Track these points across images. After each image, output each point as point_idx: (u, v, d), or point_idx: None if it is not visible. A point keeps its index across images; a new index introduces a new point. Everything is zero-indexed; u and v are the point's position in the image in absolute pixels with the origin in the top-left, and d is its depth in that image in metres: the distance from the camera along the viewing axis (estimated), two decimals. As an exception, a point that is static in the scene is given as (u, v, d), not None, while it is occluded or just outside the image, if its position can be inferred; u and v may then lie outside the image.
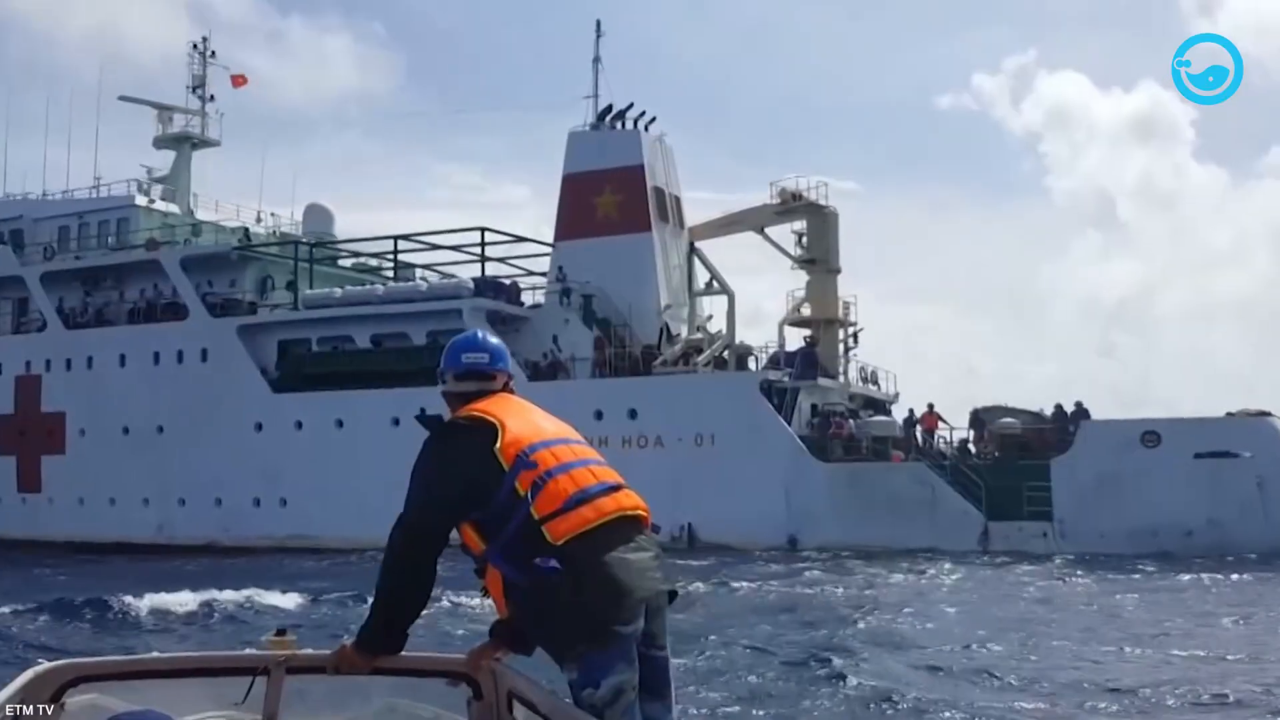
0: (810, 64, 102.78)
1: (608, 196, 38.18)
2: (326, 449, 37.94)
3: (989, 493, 29.98)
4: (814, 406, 34.27)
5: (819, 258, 36.15)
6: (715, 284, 36.09)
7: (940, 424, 32.73)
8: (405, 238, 41.13)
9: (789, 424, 32.56)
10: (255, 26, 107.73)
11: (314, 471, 37.88)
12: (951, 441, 32.62)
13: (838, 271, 36.71)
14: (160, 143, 48.76)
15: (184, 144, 48.31)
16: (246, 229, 44.94)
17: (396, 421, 37.25)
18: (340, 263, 45.39)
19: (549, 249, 39.94)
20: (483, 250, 39.58)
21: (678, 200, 39.42)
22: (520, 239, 40.30)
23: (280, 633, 3.83)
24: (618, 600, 3.48)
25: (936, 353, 75.89)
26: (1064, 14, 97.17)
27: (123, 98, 49.09)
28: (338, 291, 40.29)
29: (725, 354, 34.80)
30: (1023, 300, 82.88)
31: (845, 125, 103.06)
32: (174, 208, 46.87)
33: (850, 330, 36.75)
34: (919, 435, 32.58)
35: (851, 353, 36.83)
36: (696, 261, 37.09)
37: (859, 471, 31.32)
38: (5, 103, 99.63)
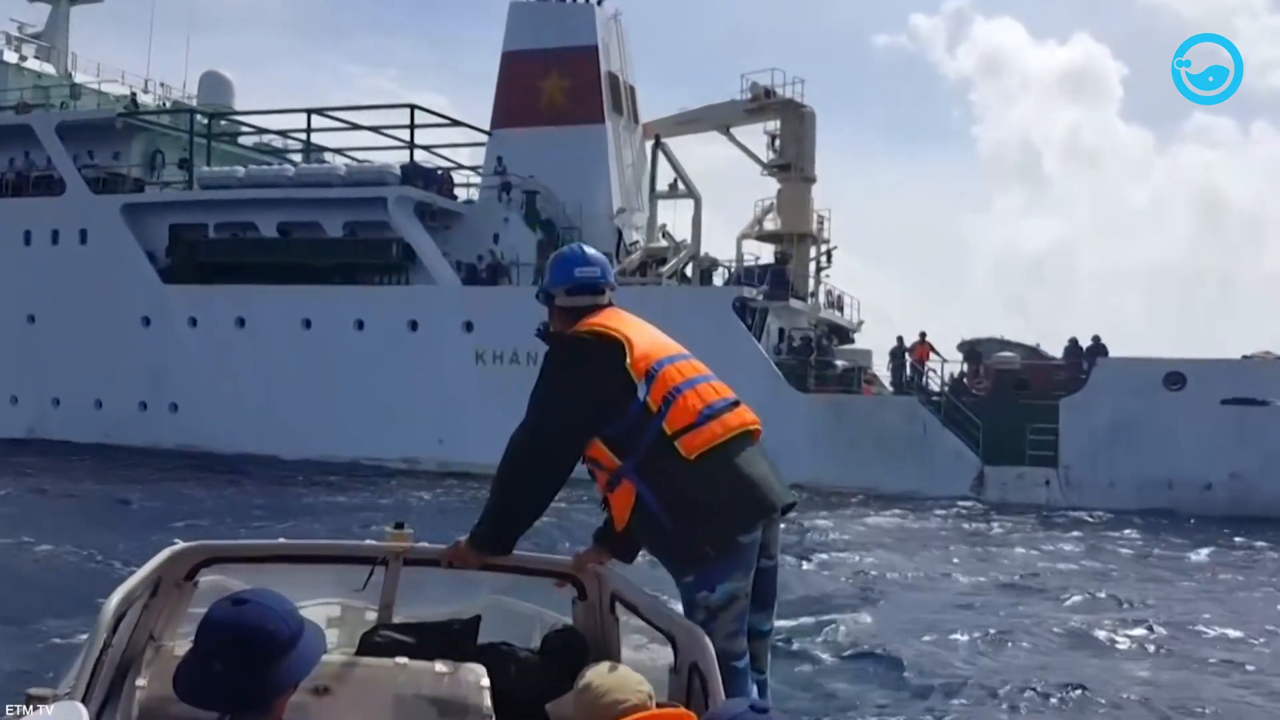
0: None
1: (554, 80, 32.76)
2: (224, 350, 32.35)
3: (987, 434, 26.04)
4: (781, 330, 29.80)
5: (793, 163, 31.38)
6: (680, 186, 30.92)
7: (932, 355, 28.45)
8: (320, 112, 34.95)
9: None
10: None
11: (209, 375, 32.29)
12: (942, 376, 28.46)
13: (813, 180, 32.10)
14: (32, -8, 41.25)
15: (60, -4, 40.94)
16: (134, 94, 38.18)
17: (308, 323, 31.88)
18: (242, 141, 39.04)
19: (484, 139, 34.38)
20: (411, 133, 33.72)
21: (633, 90, 34.20)
22: (456, 123, 34.55)
23: (398, 526, 3.79)
24: (746, 512, 3.51)
25: (849, 298, 71.37)
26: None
27: (-11, -63, 41.55)
28: (240, 171, 34.18)
29: (689, 267, 29.99)
30: (941, 251, 79.25)
31: (779, 58, 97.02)
32: (49, 68, 39.75)
33: (824, 248, 32.24)
34: (907, 366, 28.31)
35: (824, 273, 32.40)
36: (662, 160, 31.69)
37: (844, 405, 26.99)
38: None
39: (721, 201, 67.66)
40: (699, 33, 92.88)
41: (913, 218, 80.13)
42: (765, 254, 31.82)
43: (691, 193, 30.57)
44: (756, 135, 32.45)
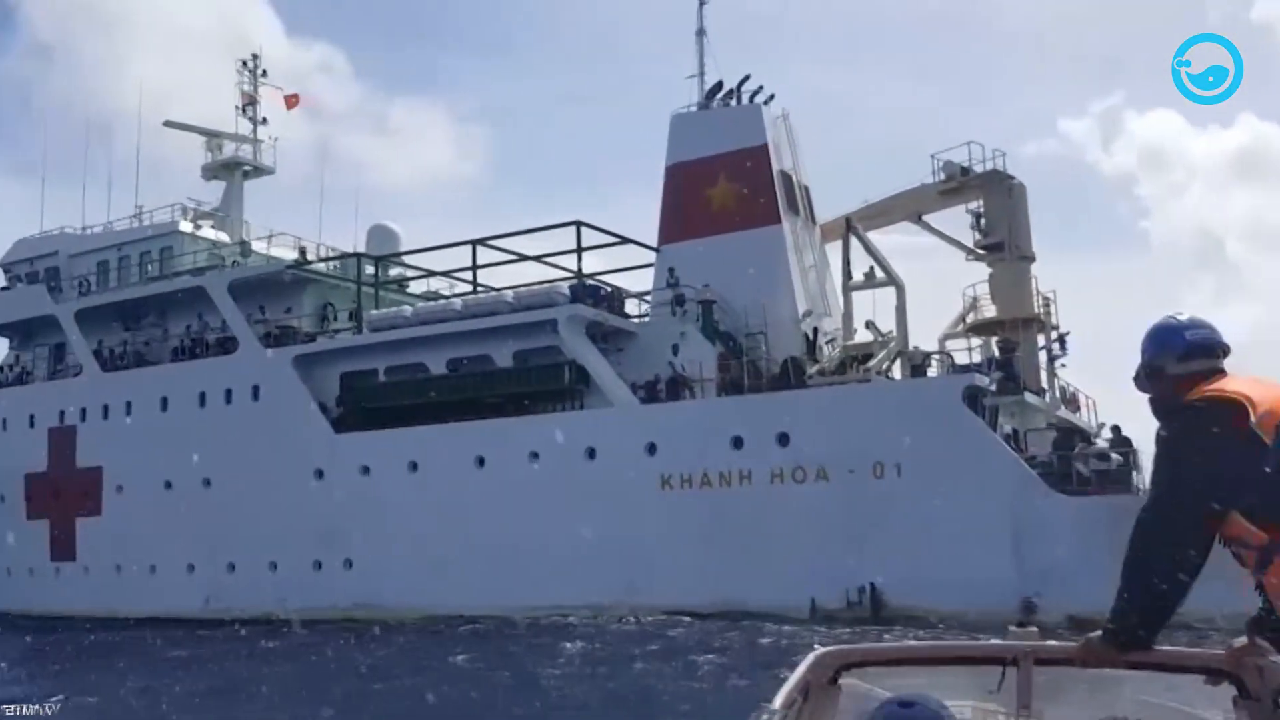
0: (885, 118, 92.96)
1: (723, 186, 29.63)
2: (397, 497, 29.24)
3: None
4: (1015, 432, 24.77)
5: (1006, 240, 26.91)
6: (878, 274, 26.73)
7: None
8: (484, 242, 32.51)
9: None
10: (363, 111, 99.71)
11: (383, 526, 29.15)
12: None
13: (1032, 259, 27.36)
14: (208, 172, 40.93)
15: (234, 172, 40.47)
16: (303, 249, 36.89)
17: (481, 461, 28.67)
18: (411, 290, 37.16)
19: (651, 258, 31.27)
20: (579, 255, 30.88)
21: (807, 190, 30.70)
22: (625, 239, 31.60)
23: (1022, 623, 3.61)
24: None
25: (1084, 397, 64.87)
26: (1147, 55, 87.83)
27: (168, 123, 41.62)
28: (408, 310, 31.87)
29: (897, 363, 25.61)
30: (1131, 350, 71.90)
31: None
32: (224, 236, 38.97)
33: (1055, 334, 27.23)
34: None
35: (1058, 362, 27.24)
36: (854, 251, 27.62)
37: (1124, 507, 21.53)
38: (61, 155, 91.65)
39: (914, 300, 63.00)
40: (839, 154, 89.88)
41: (1095, 318, 72.73)
42: (976, 352, 27.25)
43: (893, 280, 26.29)
44: (953, 219, 28.39)
